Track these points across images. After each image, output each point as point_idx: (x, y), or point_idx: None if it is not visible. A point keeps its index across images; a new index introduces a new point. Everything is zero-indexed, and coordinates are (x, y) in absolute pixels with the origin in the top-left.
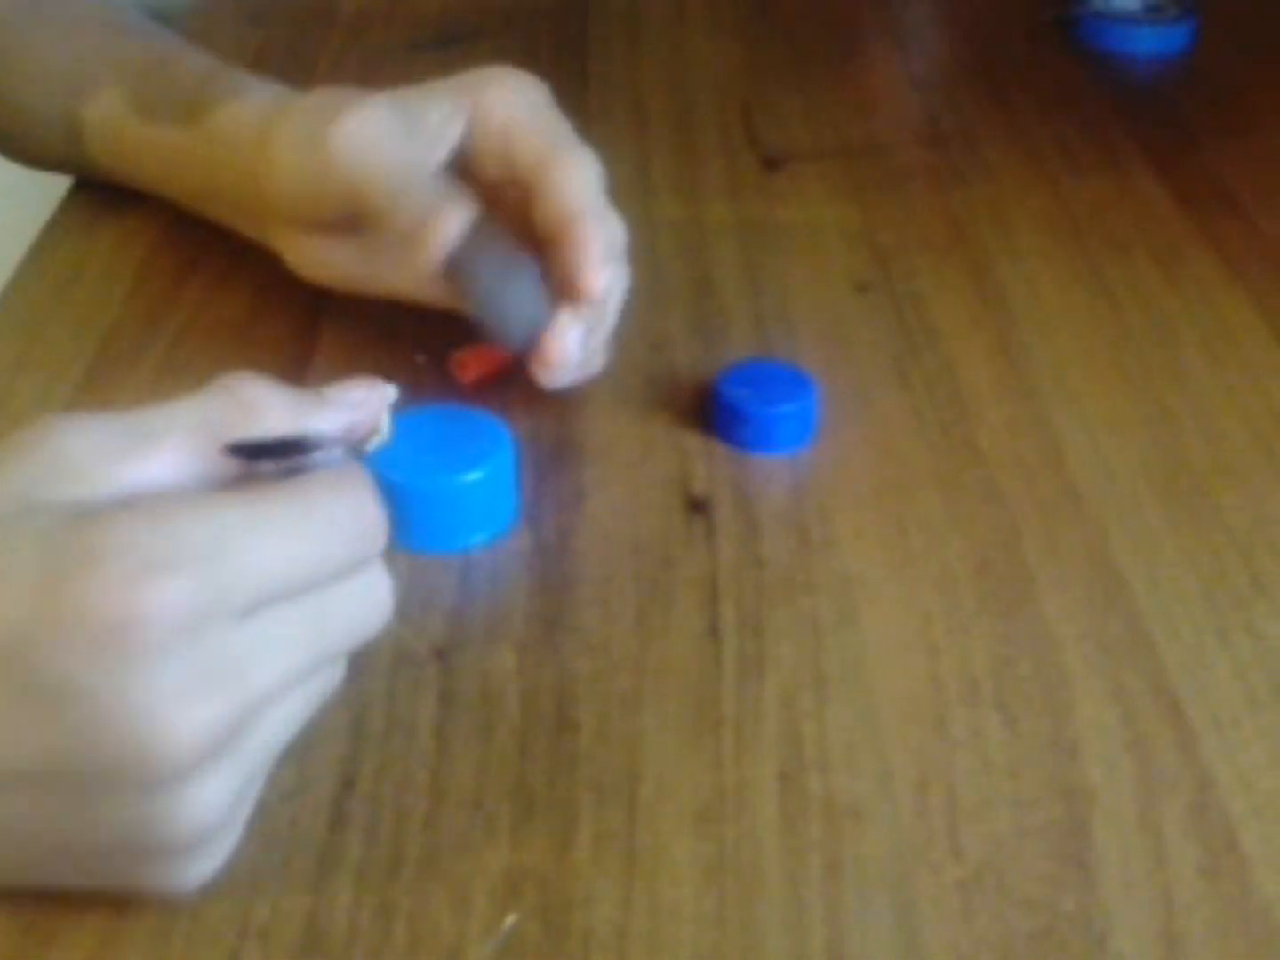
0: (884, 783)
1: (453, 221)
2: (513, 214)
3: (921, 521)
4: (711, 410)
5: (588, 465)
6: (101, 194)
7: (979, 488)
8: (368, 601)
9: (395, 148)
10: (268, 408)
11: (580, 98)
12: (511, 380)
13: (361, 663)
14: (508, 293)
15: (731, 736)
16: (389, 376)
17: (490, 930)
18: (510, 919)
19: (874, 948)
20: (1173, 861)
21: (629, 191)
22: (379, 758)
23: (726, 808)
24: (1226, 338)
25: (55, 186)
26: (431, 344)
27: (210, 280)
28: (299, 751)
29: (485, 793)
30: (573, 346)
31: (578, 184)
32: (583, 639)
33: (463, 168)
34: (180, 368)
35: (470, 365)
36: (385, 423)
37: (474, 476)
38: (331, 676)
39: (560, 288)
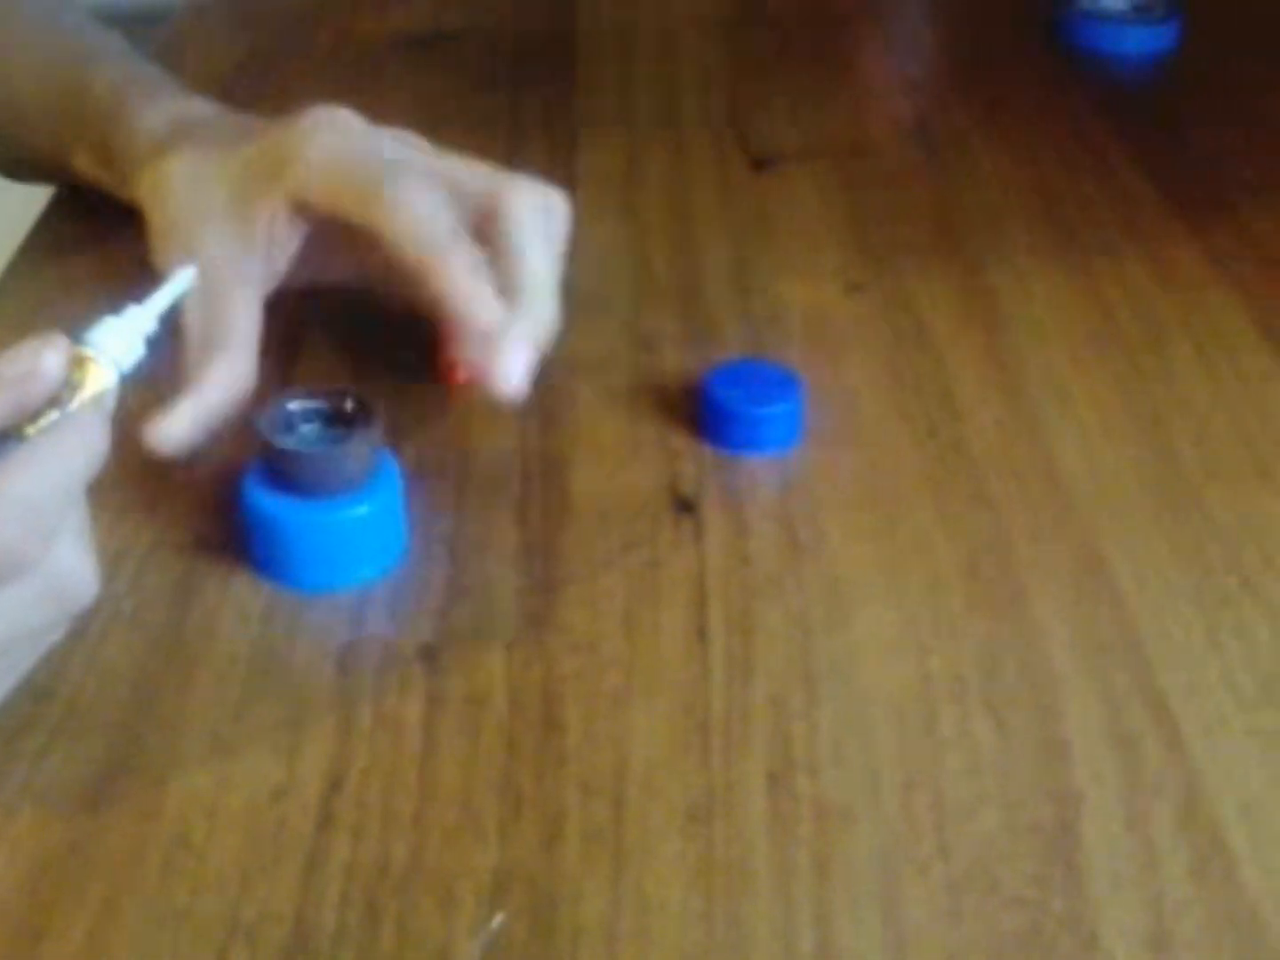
0: (872, 783)
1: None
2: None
3: (910, 522)
4: (700, 410)
5: (576, 465)
6: (87, 202)
7: (968, 488)
8: (22, 607)
9: (209, 290)
10: None
11: (569, 98)
12: None
13: (349, 662)
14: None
15: (720, 736)
16: (377, 376)
17: (478, 929)
18: (498, 918)
19: (862, 947)
20: (1162, 862)
21: (618, 191)
22: (367, 757)
23: (715, 807)
24: (1216, 338)
25: (38, 194)
26: (419, 343)
27: None
28: (287, 752)
29: (473, 792)
30: (514, 361)
31: (408, 221)
32: (571, 639)
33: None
34: (167, 375)
35: (460, 366)
36: (96, 380)
37: (359, 511)
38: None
39: (453, 327)
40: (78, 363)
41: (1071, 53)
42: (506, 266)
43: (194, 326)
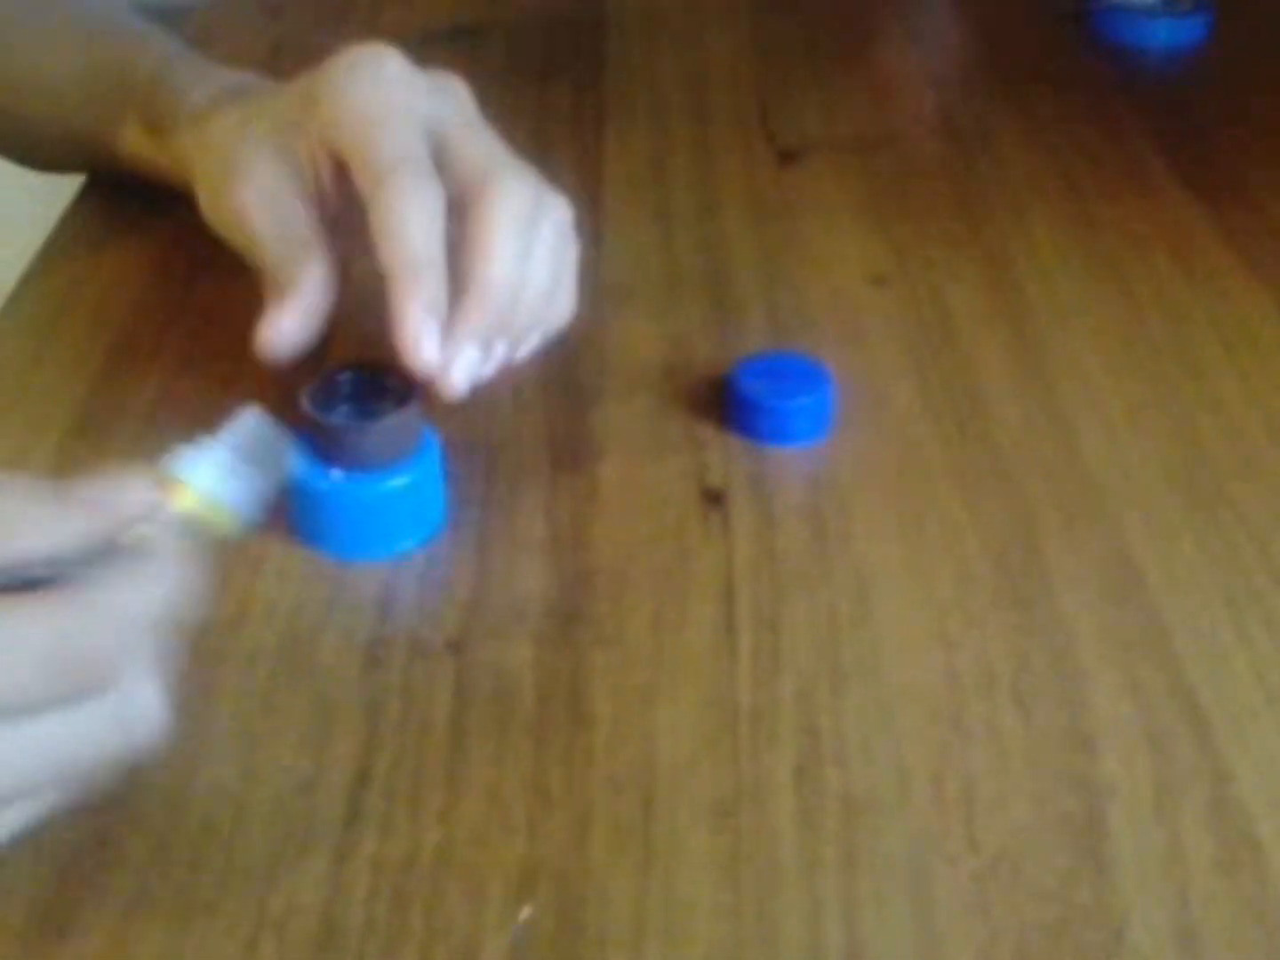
0: (900, 776)
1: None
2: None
3: (938, 515)
4: (727, 402)
5: (603, 457)
6: (115, 192)
7: (995, 481)
8: (96, 730)
9: (279, 208)
10: (20, 522)
11: (597, 91)
12: (529, 373)
13: (377, 655)
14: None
15: (748, 730)
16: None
17: (506, 923)
18: (526, 912)
19: (891, 940)
20: (1189, 855)
21: (645, 184)
22: (394, 751)
23: (743, 801)
24: (1242, 331)
25: (68, 184)
26: None
27: (224, 277)
28: (315, 745)
29: (501, 786)
30: (459, 357)
31: (395, 227)
32: (599, 632)
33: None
34: (195, 365)
35: None
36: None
37: (399, 482)
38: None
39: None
40: (165, 486)
41: (1099, 45)
42: (464, 261)
43: (269, 242)
